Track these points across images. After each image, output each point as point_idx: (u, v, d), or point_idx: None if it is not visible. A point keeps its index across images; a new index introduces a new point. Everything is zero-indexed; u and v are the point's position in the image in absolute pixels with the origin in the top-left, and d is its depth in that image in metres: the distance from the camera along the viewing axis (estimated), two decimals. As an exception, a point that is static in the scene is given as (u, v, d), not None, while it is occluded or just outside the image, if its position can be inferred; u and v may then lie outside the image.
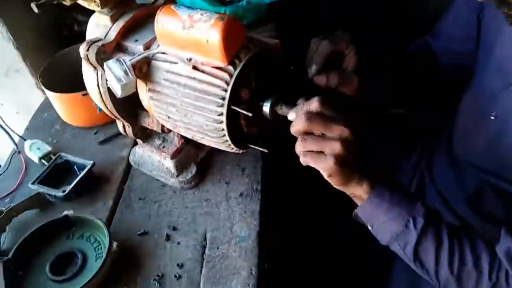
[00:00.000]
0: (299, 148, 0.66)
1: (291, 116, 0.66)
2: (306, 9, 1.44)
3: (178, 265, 0.76)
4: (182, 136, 0.88)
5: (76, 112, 1.01)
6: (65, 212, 0.81)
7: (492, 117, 0.82)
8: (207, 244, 0.79)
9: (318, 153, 0.64)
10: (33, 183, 0.89)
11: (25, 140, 1.01)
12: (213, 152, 0.95)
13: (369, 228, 0.71)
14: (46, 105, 1.14)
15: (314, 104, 0.64)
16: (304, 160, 0.66)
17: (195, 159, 0.92)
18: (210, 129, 0.70)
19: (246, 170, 0.91)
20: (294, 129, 0.66)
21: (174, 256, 0.77)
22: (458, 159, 0.95)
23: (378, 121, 1.17)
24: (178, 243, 0.80)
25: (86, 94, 0.97)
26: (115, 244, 0.76)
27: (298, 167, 0.67)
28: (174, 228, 0.82)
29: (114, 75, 0.69)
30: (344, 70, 0.87)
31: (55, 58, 1.08)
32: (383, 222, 0.68)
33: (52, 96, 0.99)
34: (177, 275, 0.74)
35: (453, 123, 0.98)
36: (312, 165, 0.65)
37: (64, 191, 0.87)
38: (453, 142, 0.98)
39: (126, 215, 0.86)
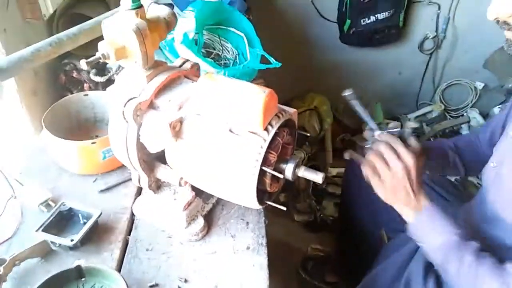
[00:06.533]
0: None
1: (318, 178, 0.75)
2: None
3: (195, 317, 0.78)
4: (193, 189, 0.92)
5: (80, 160, 1.02)
6: (77, 262, 0.81)
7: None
8: (219, 296, 0.83)
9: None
10: (37, 231, 0.87)
11: (22, 184, 0.99)
12: (217, 205, 1.00)
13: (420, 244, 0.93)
14: (40, 149, 1.12)
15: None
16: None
17: (202, 212, 0.96)
18: (239, 187, 0.76)
19: (250, 224, 0.97)
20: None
21: (189, 308, 0.80)
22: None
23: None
24: (191, 295, 0.82)
25: (94, 143, 0.99)
26: (134, 295, 0.76)
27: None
28: (186, 281, 0.85)
29: (153, 133, 0.74)
30: None
31: (58, 105, 1.09)
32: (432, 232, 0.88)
33: (57, 143, 1.00)
34: (195, 327, 0.76)
35: None
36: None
37: (72, 240, 0.86)
38: None
39: (135, 266, 0.87)
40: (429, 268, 1.02)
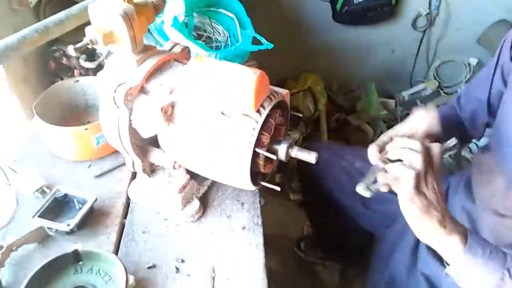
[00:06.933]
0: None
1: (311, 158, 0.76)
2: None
3: (192, 297, 0.80)
4: (188, 172, 0.93)
5: (74, 146, 1.02)
6: (74, 246, 0.82)
7: None
8: (215, 275, 0.84)
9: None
10: (33, 217, 0.88)
11: (15, 172, 1.00)
12: (212, 187, 1.01)
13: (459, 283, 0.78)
14: (33, 137, 1.12)
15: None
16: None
17: (197, 193, 0.97)
18: (233, 169, 0.76)
19: (245, 204, 0.98)
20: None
21: (187, 288, 0.81)
22: (476, 204, 0.99)
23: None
24: (188, 275, 0.84)
25: (87, 129, 0.99)
26: (132, 277, 0.78)
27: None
28: (182, 261, 0.86)
29: (145, 118, 0.74)
30: None
31: (48, 92, 1.08)
32: (478, 276, 0.74)
33: (50, 130, 0.99)
34: (192, 306, 0.78)
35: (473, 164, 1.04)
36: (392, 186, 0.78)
37: (68, 225, 0.87)
38: (472, 185, 1.02)
39: (132, 248, 0.89)
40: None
